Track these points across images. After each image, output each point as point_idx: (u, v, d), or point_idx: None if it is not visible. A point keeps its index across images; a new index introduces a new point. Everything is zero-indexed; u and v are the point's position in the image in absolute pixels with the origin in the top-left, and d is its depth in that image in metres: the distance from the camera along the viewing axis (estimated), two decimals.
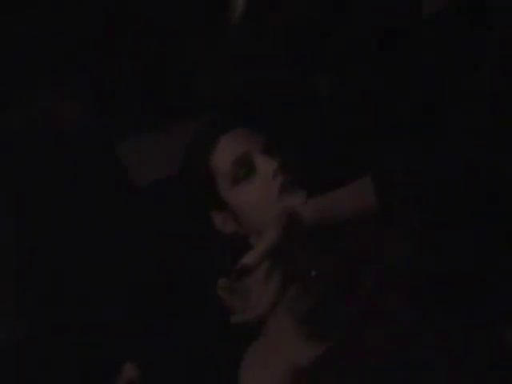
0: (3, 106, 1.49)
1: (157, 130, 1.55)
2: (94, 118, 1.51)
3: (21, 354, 1.32)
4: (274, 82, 1.36)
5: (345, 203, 1.04)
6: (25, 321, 1.36)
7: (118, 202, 1.46)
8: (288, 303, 1.16)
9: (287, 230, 0.97)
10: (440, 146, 1.10)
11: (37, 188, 1.43)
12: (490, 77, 1.15)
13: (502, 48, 1.15)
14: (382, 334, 1.16)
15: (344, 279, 1.18)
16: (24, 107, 1.48)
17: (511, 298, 1.18)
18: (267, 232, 0.97)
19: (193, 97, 1.55)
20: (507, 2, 1.17)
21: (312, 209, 1.04)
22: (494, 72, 1.14)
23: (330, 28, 1.34)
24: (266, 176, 1.18)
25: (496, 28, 1.17)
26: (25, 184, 1.44)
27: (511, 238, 1.11)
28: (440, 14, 1.25)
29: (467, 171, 1.05)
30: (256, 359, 1.20)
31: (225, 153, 1.22)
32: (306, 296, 1.16)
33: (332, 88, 1.34)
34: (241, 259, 0.96)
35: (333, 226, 1.04)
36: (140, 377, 1.24)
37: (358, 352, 1.16)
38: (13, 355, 1.32)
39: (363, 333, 1.17)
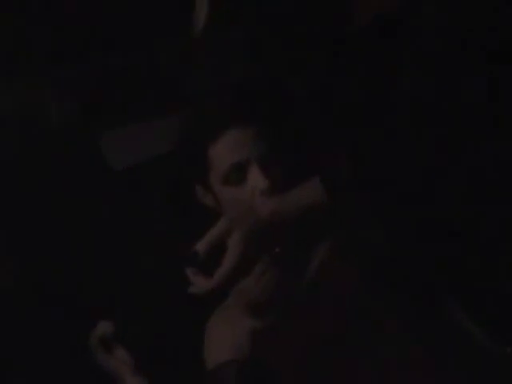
0: None
1: (138, 122, 1.58)
2: (79, 108, 1.53)
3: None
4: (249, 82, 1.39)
5: (298, 198, 1.18)
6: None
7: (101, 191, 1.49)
8: (248, 281, 1.26)
9: (238, 223, 1.13)
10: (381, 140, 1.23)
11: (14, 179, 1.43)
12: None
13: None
14: (332, 306, 1.28)
15: (298, 256, 1.28)
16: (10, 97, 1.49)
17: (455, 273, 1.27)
18: (218, 223, 1.14)
19: (176, 92, 1.58)
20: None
21: (269, 206, 1.18)
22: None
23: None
24: (254, 191, 1.24)
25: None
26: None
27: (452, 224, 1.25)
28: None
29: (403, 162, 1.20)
30: (221, 318, 1.30)
31: (226, 151, 1.25)
32: (264, 276, 1.27)
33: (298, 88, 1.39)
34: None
35: (288, 218, 1.17)
36: (115, 334, 1.25)
37: (309, 322, 1.28)
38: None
39: (314, 304, 1.28)
